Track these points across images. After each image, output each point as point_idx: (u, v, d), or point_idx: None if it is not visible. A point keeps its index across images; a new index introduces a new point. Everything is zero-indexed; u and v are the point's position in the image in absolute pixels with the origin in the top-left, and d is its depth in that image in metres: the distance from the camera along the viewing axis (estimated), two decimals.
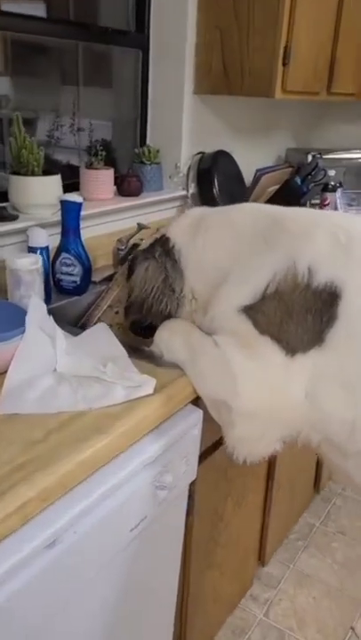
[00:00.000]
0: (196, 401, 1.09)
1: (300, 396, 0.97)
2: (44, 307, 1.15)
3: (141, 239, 1.74)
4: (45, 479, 0.78)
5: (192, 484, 1.16)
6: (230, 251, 1.09)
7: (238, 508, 1.46)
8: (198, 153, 2.06)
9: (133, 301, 1.21)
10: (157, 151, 1.97)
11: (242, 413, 0.98)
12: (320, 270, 0.96)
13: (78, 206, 1.43)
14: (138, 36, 1.95)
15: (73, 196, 1.43)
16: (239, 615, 1.70)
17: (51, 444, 0.86)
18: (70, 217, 1.43)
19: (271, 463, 1.60)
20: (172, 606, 1.27)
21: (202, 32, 1.90)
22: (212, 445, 1.24)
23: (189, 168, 2.03)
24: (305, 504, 2.09)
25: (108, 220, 1.79)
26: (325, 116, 2.80)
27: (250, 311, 1.00)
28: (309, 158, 2.40)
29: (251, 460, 1.04)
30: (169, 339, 1.11)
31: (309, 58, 1.93)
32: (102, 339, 1.17)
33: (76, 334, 1.17)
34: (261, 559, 1.77)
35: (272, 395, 0.97)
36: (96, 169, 1.76)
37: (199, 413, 1.08)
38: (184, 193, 2.01)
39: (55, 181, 1.52)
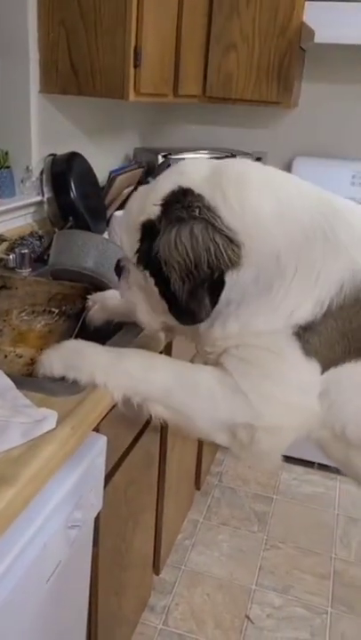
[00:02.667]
0: (97, 426, 1.02)
1: (316, 404, 0.94)
2: None
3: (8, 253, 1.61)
4: None
5: (97, 515, 1.10)
6: (283, 230, 0.90)
7: (137, 526, 1.42)
8: (50, 155, 1.95)
9: (181, 279, 0.90)
10: (6, 153, 1.83)
11: (267, 429, 0.93)
12: None
13: None
14: None
15: None
16: (139, 630, 1.67)
17: None
18: None
19: (161, 473, 1.58)
20: (81, 638, 1.20)
21: (45, 29, 1.79)
22: (112, 469, 1.18)
23: (42, 171, 1.92)
24: (189, 503, 2.12)
25: None
26: (169, 117, 2.83)
27: (304, 332, 0.90)
28: (160, 159, 2.40)
29: (271, 467, 1.00)
30: (137, 367, 0.99)
31: (157, 60, 1.93)
32: None
33: None
34: (156, 568, 1.75)
35: (292, 410, 0.94)
36: None
37: (103, 440, 1.02)
38: (39, 198, 1.89)
39: None
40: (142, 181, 2.31)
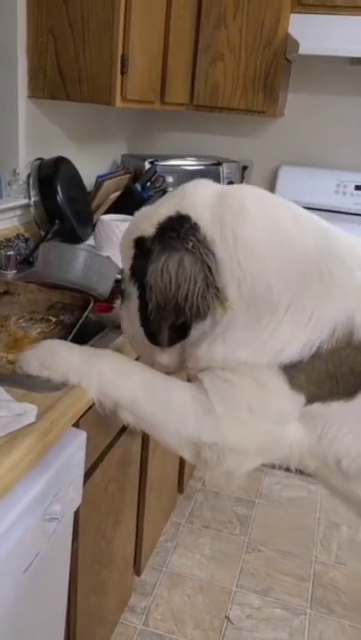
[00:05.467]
0: (77, 422, 1.04)
1: (299, 435, 0.95)
2: None
3: None
4: None
5: (77, 510, 1.11)
6: (279, 266, 0.90)
7: (118, 524, 1.43)
8: (37, 159, 1.98)
9: (162, 305, 0.93)
10: None
11: (232, 450, 0.94)
12: None
13: None
14: None
15: None
16: (119, 630, 1.68)
17: None
18: None
19: (142, 473, 1.60)
20: (60, 635, 1.21)
21: (34, 35, 1.82)
22: (93, 465, 1.20)
23: (29, 175, 1.94)
24: (171, 505, 2.13)
25: None
26: (156, 124, 2.87)
27: (291, 369, 0.90)
28: (147, 165, 2.44)
29: (233, 487, 1.00)
30: (110, 371, 0.99)
31: (144, 67, 1.96)
32: None
33: None
34: (136, 569, 1.76)
35: (265, 435, 0.95)
36: None
37: (83, 435, 1.04)
38: (26, 201, 1.92)
39: None
40: (129, 187, 2.34)
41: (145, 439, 1.56)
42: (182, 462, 2.12)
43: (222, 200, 0.95)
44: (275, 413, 0.95)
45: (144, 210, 1.04)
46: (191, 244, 0.91)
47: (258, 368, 0.92)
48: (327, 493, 1.12)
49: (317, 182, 2.71)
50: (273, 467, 1.01)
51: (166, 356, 1.04)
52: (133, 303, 1.03)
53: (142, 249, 0.96)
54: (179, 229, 0.93)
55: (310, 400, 0.93)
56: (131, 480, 1.51)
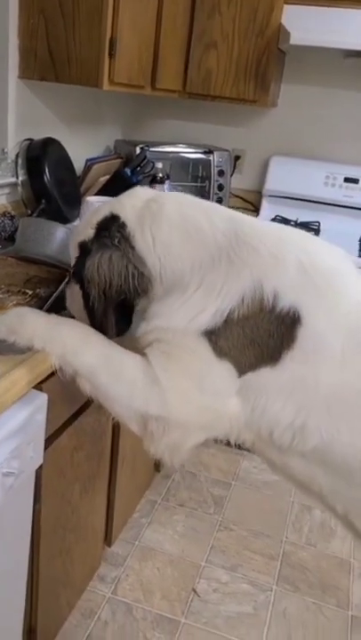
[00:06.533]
0: (40, 385, 1.09)
1: (236, 408, 1.01)
2: None
3: None
4: None
5: (39, 471, 1.16)
6: (189, 256, 1.04)
7: (85, 492, 1.48)
8: (26, 139, 2.02)
9: (99, 297, 1.06)
10: None
11: (177, 424, 1.00)
12: (285, 295, 0.98)
13: None
14: None
15: None
16: (87, 597, 1.73)
17: None
18: None
19: (114, 446, 1.64)
20: (21, 593, 1.26)
21: (25, 16, 1.86)
22: (58, 430, 1.25)
23: (18, 155, 1.98)
24: (147, 483, 2.18)
25: None
26: (151, 111, 2.90)
27: (211, 335, 0.99)
28: (138, 150, 2.47)
29: (177, 462, 1.06)
30: (73, 339, 1.05)
31: (133, 51, 2.00)
32: None
33: None
34: (107, 540, 1.82)
35: (207, 410, 1.01)
36: None
37: (44, 397, 1.08)
38: (13, 180, 1.96)
39: None
40: (119, 171, 2.38)
41: None
42: None
43: (148, 203, 1.09)
44: (211, 383, 1.00)
45: (91, 212, 1.17)
46: (117, 239, 1.06)
47: (182, 335, 1.00)
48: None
49: (307, 174, 2.74)
50: (215, 441, 1.08)
51: None
52: (77, 293, 1.12)
53: (84, 250, 1.09)
54: (110, 228, 1.07)
55: (241, 369, 0.99)
56: (101, 451, 1.56)
